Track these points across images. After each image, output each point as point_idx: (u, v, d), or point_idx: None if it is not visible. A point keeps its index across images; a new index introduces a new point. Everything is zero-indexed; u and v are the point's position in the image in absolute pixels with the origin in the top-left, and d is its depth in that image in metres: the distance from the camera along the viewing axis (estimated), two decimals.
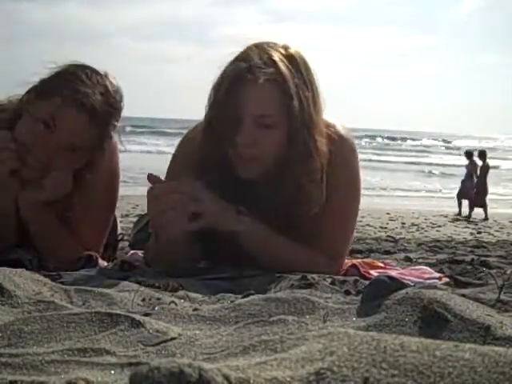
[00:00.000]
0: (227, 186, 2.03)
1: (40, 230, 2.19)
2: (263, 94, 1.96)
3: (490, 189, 13.62)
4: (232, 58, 2.01)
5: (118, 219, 2.64)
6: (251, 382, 0.64)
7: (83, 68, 2.19)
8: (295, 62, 2.01)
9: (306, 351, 0.73)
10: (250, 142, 1.97)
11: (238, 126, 1.97)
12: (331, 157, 2.07)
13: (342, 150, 2.12)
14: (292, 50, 2.03)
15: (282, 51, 2.02)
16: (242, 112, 1.96)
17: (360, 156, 2.26)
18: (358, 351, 0.69)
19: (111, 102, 2.17)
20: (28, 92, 2.20)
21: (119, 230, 2.64)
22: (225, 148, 2.02)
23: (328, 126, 2.11)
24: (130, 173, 14.61)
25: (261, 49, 2.00)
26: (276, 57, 1.98)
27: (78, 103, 2.10)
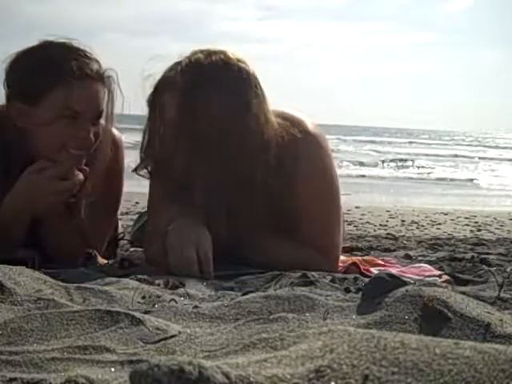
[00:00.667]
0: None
1: (54, 229, 2.17)
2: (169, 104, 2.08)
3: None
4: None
5: (118, 217, 2.64)
6: (251, 379, 0.64)
7: (56, 46, 2.12)
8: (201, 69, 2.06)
9: (306, 349, 0.73)
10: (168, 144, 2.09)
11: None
12: (296, 153, 2.12)
13: (307, 145, 2.16)
14: (204, 56, 2.07)
15: (192, 58, 2.08)
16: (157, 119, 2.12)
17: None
18: (358, 349, 0.69)
19: (105, 69, 2.15)
20: (11, 103, 2.11)
21: (119, 228, 2.65)
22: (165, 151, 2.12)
23: (295, 122, 2.16)
24: (129, 170, 14.62)
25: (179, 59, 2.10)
26: (178, 67, 2.08)
27: (85, 75, 2.07)
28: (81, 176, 2.11)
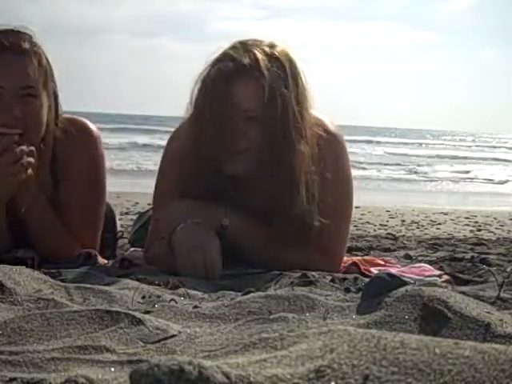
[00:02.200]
0: (214, 185, 2.06)
1: (38, 227, 2.17)
2: (248, 92, 2.01)
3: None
4: (218, 54, 2.05)
5: (118, 217, 2.64)
6: (251, 379, 0.64)
7: None
8: (279, 61, 2.04)
9: (306, 349, 0.73)
10: (241, 134, 2.01)
11: (227, 121, 2.00)
12: (320, 155, 2.09)
13: (332, 147, 2.13)
14: (277, 49, 2.06)
15: (267, 50, 2.05)
16: (231, 108, 2.00)
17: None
18: (358, 349, 0.69)
19: (36, 42, 2.11)
20: None
21: (118, 228, 2.64)
22: (213, 145, 2.03)
23: (316, 123, 2.12)
24: (128, 169, 14.60)
25: (246, 47, 2.04)
26: (260, 56, 2.01)
27: (3, 48, 2.03)
28: (31, 159, 2.05)
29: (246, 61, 2.00)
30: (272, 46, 2.07)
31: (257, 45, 2.05)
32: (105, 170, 2.37)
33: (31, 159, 2.06)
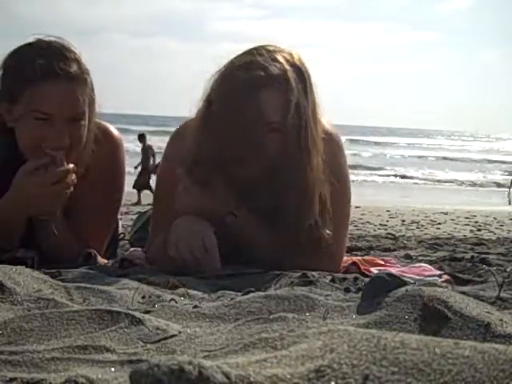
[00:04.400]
0: (222, 184, 2.06)
1: (50, 230, 2.17)
2: (276, 104, 2.00)
3: None
4: (243, 57, 2.04)
5: (119, 217, 2.64)
6: (251, 379, 0.64)
7: (31, 46, 2.10)
8: (300, 72, 2.06)
9: (306, 348, 0.73)
10: (261, 145, 2.01)
11: (252, 131, 1.99)
12: (325, 155, 2.10)
13: (329, 146, 2.14)
14: (296, 58, 2.08)
15: (289, 59, 2.06)
16: (258, 118, 1.99)
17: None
18: (358, 348, 0.69)
19: (84, 68, 2.12)
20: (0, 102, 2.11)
21: (120, 228, 2.64)
22: (224, 147, 2.02)
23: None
24: (128, 169, 14.64)
25: (271, 55, 2.04)
26: (287, 67, 2.03)
27: (54, 75, 2.03)
28: (74, 176, 2.09)
29: (276, 72, 2.00)
30: (291, 54, 2.08)
31: (280, 52, 2.06)
32: (124, 175, 2.38)
33: (74, 177, 2.09)
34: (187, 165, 2.09)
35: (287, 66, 2.02)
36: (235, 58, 2.06)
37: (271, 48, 2.07)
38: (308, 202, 2.05)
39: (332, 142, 2.16)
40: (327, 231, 2.09)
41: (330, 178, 2.10)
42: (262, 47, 2.07)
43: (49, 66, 2.04)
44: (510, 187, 19.36)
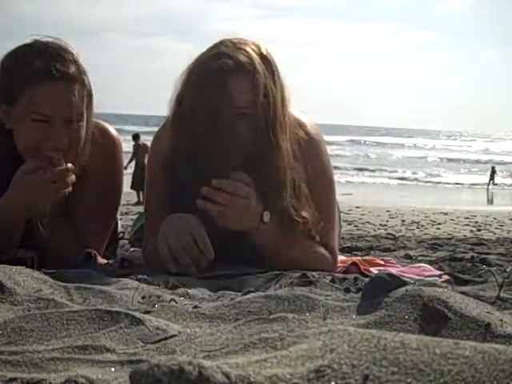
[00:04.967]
0: (199, 184, 2.06)
1: (49, 230, 2.17)
2: (244, 89, 2.03)
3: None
4: (210, 52, 2.08)
5: (118, 217, 2.64)
6: (251, 379, 0.64)
7: (30, 47, 2.09)
8: (267, 60, 2.09)
9: (306, 349, 0.73)
10: (233, 131, 2.03)
11: (222, 116, 2.01)
12: (302, 154, 2.13)
13: (312, 145, 2.18)
14: (262, 48, 2.12)
15: (255, 48, 2.10)
16: (227, 103, 2.01)
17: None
18: (358, 349, 0.69)
19: (82, 69, 2.11)
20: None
21: (119, 228, 2.64)
22: (198, 141, 2.05)
23: (297, 122, 2.17)
24: (129, 170, 14.61)
25: (237, 45, 2.08)
26: (253, 54, 2.07)
27: (52, 77, 2.03)
28: (73, 176, 2.09)
29: (243, 59, 2.03)
30: (257, 45, 2.12)
31: (246, 43, 2.10)
32: (122, 175, 2.39)
33: (73, 177, 2.09)
34: (164, 167, 2.15)
35: (254, 55, 2.06)
36: (201, 53, 2.10)
37: (236, 40, 2.11)
38: (279, 184, 2.06)
39: (314, 141, 2.20)
40: (305, 214, 2.10)
41: (307, 168, 2.13)
42: (228, 40, 2.11)
43: (46, 68, 2.04)
44: (488, 184, 19.40)
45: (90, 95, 2.15)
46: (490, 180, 21.44)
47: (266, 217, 2.05)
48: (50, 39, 2.13)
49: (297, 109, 2.23)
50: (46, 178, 2.03)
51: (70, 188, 2.09)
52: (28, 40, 2.13)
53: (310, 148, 2.17)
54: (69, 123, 2.08)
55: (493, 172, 22.97)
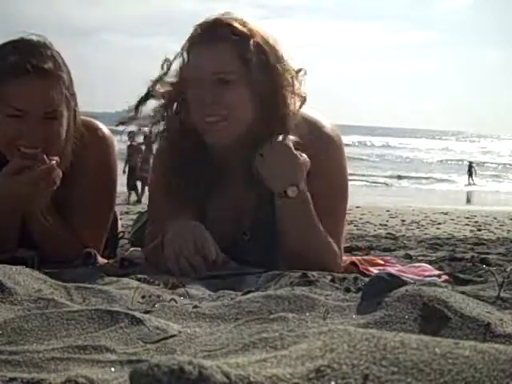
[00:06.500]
0: (199, 174, 2.09)
1: (43, 228, 2.17)
2: (219, 52, 2.04)
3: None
4: (201, 24, 2.09)
5: (118, 216, 2.64)
6: (251, 379, 0.64)
7: (8, 43, 2.09)
8: (252, 29, 2.08)
9: (306, 348, 0.73)
10: (212, 99, 2.02)
11: (199, 87, 2.02)
12: (316, 152, 2.07)
13: (323, 144, 2.13)
14: (250, 24, 2.10)
15: (240, 21, 2.09)
16: (201, 71, 2.03)
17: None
18: (358, 348, 0.69)
19: (60, 65, 2.10)
20: None
21: (120, 228, 2.64)
22: (190, 119, 2.06)
23: (313, 122, 2.13)
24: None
25: (219, 19, 2.08)
26: (233, 22, 2.06)
27: (26, 72, 2.01)
28: (59, 172, 2.06)
29: (219, 28, 2.04)
30: (258, 26, 2.11)
31: (230, 17, 2.09)
32: (116, 173, 2.38)
33: (60, 172, 2.07)
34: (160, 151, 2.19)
35: (234, 23, 2.05)
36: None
37: (224, 14, 2.11)
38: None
39: (327, 142, 2.14)
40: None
41: (320, 174, 2.08)
42: (226, 13, 2.11)
43: (21, 63, 2.03)
44: (468, 172, 19.52)
45: (71, 92, 2.13)
46: (468, 177, 21.20)
47: (293, 193, 2.01)
48: (33, 36, 2.13)
49: (313, 107, 2.18)
50: (35, 177, 2.02)
51: (58, 183, 2.08)
52: (14, 37, 2.13)
53: (324, 145, 2.12)
54: (45, 120, 2.06)
55: (470, 167, 22.42)
